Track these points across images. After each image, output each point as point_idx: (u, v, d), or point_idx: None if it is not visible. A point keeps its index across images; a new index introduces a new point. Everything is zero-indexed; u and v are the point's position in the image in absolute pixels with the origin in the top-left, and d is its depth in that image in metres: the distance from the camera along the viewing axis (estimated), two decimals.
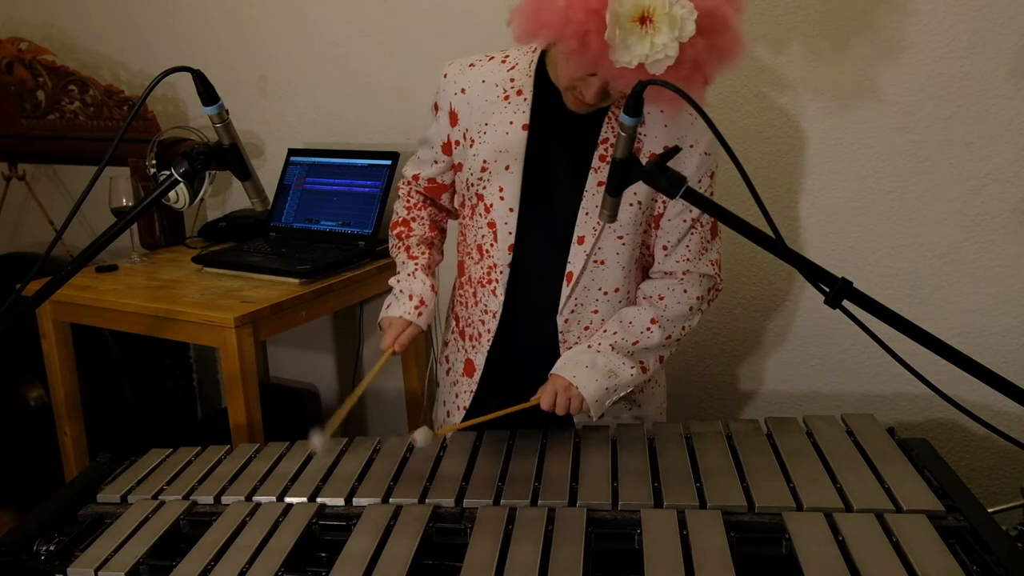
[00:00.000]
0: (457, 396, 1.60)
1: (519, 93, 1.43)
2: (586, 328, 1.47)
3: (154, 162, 2.37)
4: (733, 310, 2.05)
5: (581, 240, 1.42)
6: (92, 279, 2.13)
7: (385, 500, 1.29)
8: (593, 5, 1.15)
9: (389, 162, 2.22)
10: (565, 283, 1.44)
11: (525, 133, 1.42)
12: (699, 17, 1.13)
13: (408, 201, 1.63)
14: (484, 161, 1.43)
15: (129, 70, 2.74)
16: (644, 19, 1.13)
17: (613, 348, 1.43)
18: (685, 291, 1.46)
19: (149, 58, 2.69)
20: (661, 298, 1.46)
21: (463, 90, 1.46)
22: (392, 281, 1.56)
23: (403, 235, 1.60)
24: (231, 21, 2.52)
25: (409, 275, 1.54)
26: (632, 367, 1.43)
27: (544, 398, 1.40)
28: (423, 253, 1.57)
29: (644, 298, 1.48)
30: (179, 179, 1.22)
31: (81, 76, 2.65)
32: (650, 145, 1.39)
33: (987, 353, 1.83)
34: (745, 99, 1.91)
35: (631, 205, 1.40)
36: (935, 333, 1.05)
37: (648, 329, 1.44)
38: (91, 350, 2.42)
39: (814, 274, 1.07)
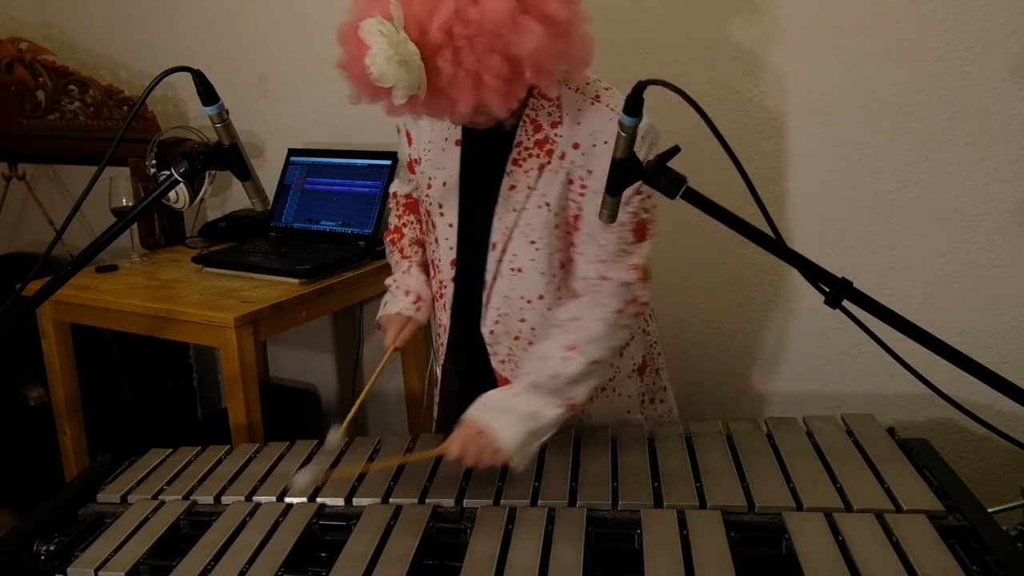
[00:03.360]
0: (434, 408, 1.62)
1: None
2: (516, 338, 1.42)
3: (154, 162, 2.36)
4: (733, 310, 2.04)
5: (494, 247, 1.38)
6: (92, 279, 2.13)
7: (385, 500, 1.29)
8: (358, 70, 1.21)
9: (389, 162, 2.22)
10: (484, 291, 1.41)
11: (459, 149, 1.41)
12: (419, 36, 1.14)
13: (397, 211, 1.67)
14: (429, 178, 1.44)
15: (129, 70, 2.74)
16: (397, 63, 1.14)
17: (533, 387, 1.28)
18: (601, 305, 1.30)
19: (149, 58, 2.69)
20: (576, 319, 1.31)
21: None
22: (388, 281, 1.60)
23: (395, 240, 1.63)
24: (231, 21, 2.52)
25: (404, 272, 1.57)
26: (557, 405, 1.27)
27: (451, 447, 1.25)
28: (416, 252, 1.59)
29: (555, 326, 1.33)
30: (179, 179, 1.22)
31: (81, 76, 2.65)
32: (562, 145, 1.31)
33: (987, 353, 1.83)
34: (745, 99, 1.91)
35: (539, 207, 1.33)
36: (935, 333, 1.05)
37: (565, 358, 1.28)
38: (91, 350, 2.41)
39: (814, 274, 1.07)
